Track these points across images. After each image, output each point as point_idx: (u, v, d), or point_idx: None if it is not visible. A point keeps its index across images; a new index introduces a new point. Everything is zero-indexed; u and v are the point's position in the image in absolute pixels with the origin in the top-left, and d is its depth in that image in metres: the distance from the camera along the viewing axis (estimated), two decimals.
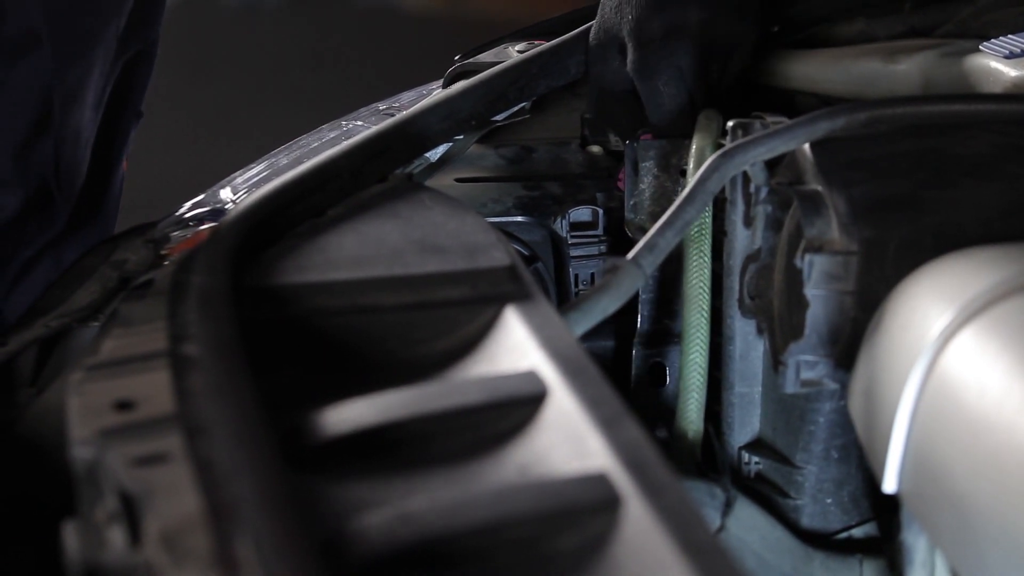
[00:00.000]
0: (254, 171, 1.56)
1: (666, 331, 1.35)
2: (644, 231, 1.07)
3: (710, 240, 1.21)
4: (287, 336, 0.87)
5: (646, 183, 1.29)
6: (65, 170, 1.39)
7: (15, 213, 1.37)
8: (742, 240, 1.18)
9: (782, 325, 1.12)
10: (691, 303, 1.21)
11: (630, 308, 1.26)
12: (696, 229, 1.20)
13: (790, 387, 1.07)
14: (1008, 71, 1.16)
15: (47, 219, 1.42)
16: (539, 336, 0.83)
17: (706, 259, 1.21)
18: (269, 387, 0.76)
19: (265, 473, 0.63)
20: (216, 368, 0.73)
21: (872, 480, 1.11)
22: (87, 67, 1.34)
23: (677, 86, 1.29)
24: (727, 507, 1.22)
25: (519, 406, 0.77)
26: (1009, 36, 1.22)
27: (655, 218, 1.09)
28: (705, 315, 1.21)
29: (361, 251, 1.00)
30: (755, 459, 1.24)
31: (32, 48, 1.23)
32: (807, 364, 1.06)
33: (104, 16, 1.36)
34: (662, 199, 1.28)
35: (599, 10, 1.35)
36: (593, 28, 1.35)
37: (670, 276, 1.32)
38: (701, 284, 1.21)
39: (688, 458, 1.24)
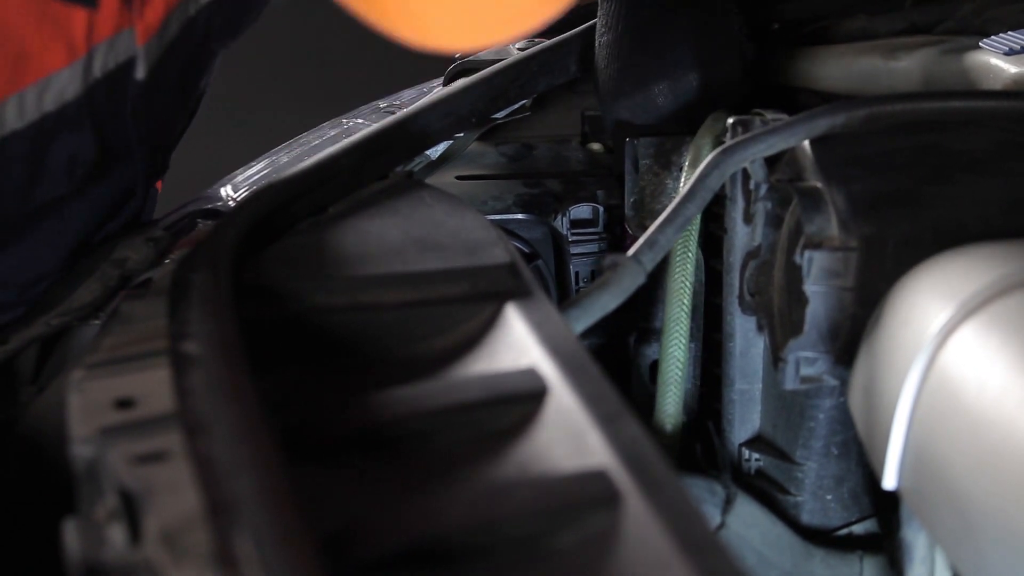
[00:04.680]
0: (255, 169, 1.56)
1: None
2: (645, 228, 1.07)
3: (697, 235, 1.22)
4: (287, 334, 0.87)
5: (647, 180, 1.29)
6: None
7: None
8: (742, 237, 1.18)
9: (782, 322, 1.12)
10: (672, 298, 1.21)
11: (631, 304, 1.27)
12: None
13: (790, 384, 1.07)
14: (1008, 68, 1.16)
15: None
16: (539, 333, 0.83)
17: (691, 254, 1.21)
18: (269, 385, 0.77)
19: (265, 471, 0.63)
20: (216, 366, 0.73)
21: (872, 476, 1.12)
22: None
23: None
24: (727, 504, 1.22)
25: (519, 403, 0.77)
26: (1009, 33, 1.22)
27: (656, 215, 1.09)
28: (686, 310, 1.21)
29: (361, 249, 1.00)
30: (755, 456, 1.24)
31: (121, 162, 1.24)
32: (807, 360, 1.06)
33: (184, 124, 1.37)
34: (663, 196, 1.28)
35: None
36: None
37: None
38: (683, 279, 1.21)
39: (668, 453, 1.24)
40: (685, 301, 1.21)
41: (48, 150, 1.14)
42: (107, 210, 1.24)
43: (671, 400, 1.23)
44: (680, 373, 1.22)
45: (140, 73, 1.17)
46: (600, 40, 1.35)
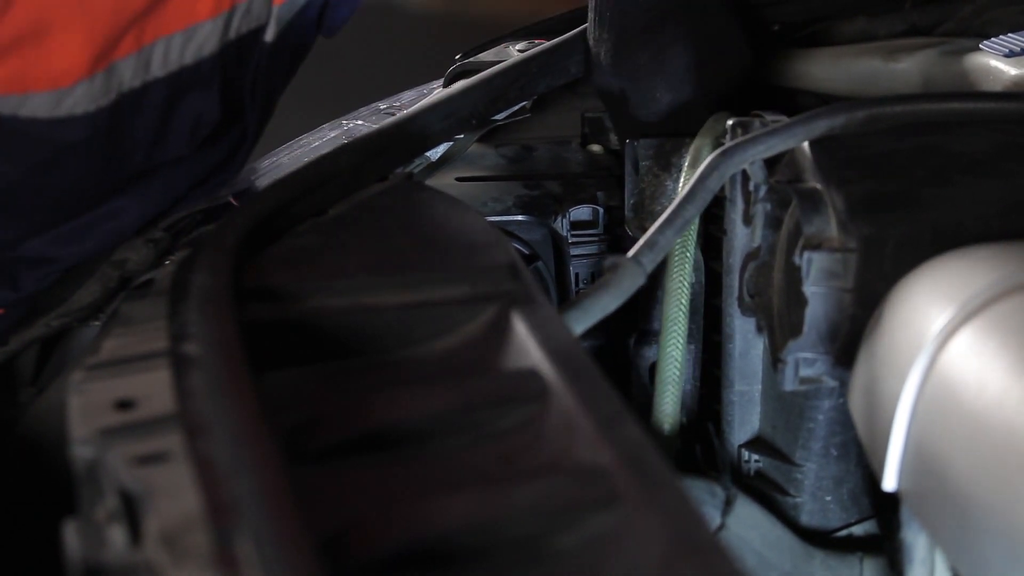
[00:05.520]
0: (255, 170, 1.55)
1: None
2: (644, 229, 1.07)
3: (695, 236, 1.22)
4: (287, 335, 0.87)
5: (647, 182, 1.29)
6: None
7: None
8: (741, 238, 1.18)
9: (781, 323, 1.12)
10: (671, 297, 1.22)
11: (631, 306, 1.27)
12: None
13: (789, 385, 1.07)
14: (1008, 69, 1.16)
15: None
16: (539, 335, 0.83)
17: (689, 255, 1.21)
18: (269, 386, 0.77)
19: (265, 472, 0.63)
20: (216, 367, 0.73)
21: (872, 478, 1.12)
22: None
23: None
24: (727, 505, 1.22)
25: (519, 404, 0.77)
26: (1009, 34, 1.22)
27: (655, 217, 1.09)
28: (684, 311, 1.21)
29: (361, 250, 1.00)
30: (755, 457, 1.24)
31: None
32: (806, 362, 1.06)
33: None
34: (663, 198, 1.28)
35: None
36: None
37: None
38: (681, 279, 1.21)
39: (667, 454, 1.24)
40: (683, 301, 1.21)
41: (178, 106, 1.13)
42: (206, 174, 1.23)
43: (669, 400, 1.23)
44: (678, 373, 1.22)
45: (270, 36, 1.17)
46: (596, 39, 1.35)
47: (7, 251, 1.14)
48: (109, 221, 1.16)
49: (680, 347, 1.21)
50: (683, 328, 1.21)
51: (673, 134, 1.29)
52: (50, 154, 1.06)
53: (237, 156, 1.25)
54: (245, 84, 1.19)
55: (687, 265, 1.21)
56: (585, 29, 1.38)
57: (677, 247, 1.21)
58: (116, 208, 1.16)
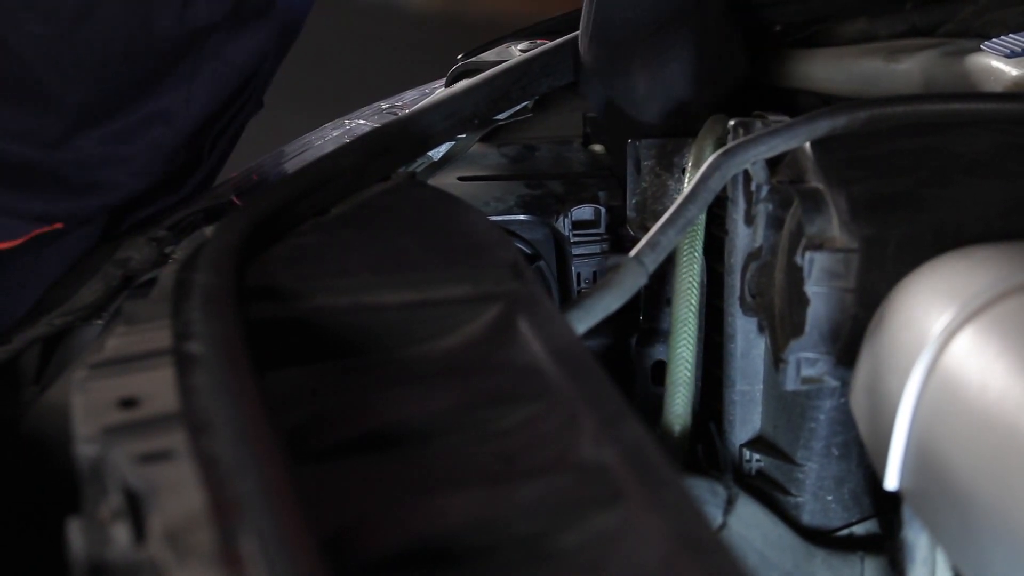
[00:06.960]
0: (257, 169, 1.56)
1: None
2: (646, 229, 1.07)
3: (702, 237, 1.22)
4: (290, 334, 0.87)
5: (648, 181, 1.29)
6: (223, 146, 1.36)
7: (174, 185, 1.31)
8: (743, 238, 1.18)
9: (783, 323, 1.12)
10: (680, 298, 1.22)
11: (632, 305, 1.27)
12: None
13: (791, 384, 1.07)
14: (1009, 70, 1.17)
15: (176, 189, 1.33)
16: (541, 334, 0.83)
17: (697, 255, 1.21)
18: (272, 385, 0.77)
19: (269, 470, 0.63)
20: (220, 366, 0.73)
21: (873, 477, 1.12)
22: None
23: None
24: (729, 504, 1.22)
25: (522, 403, 0.78)
26: (1010, 35, 1.22)
27: (657, 216, 1.10)
28: (693, 311, 1.22)
29: (364, 249, 1.00)
30: (756, 457, 1.25)
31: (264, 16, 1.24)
32: (808, 361, 1.06)
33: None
34: (665, 198, 1.28)
35: None
36: None
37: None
38: (691, 280, 1.21)
39: (676, 454, 1.24)
40: (692, 302, 1.21)
41: None
42: (252, 68, 1.21)
43: (679, 401, 1.23)
44: (688, 374, 1.22)
45: None
46: (585, 50, 1.35)
47: (53, 151, 1.12)
48: (159, 124, 1.15)
49: (690, 348, 1.22)
50: (693, 329, 1.22)
51: (672, 134, 1.29)
52: (81, 4, 1.05)
53: (275, 47, 1.24)
54: None
55: (695, 265, 1.21)
56: None
57: (685, 248, 1.21)
58: (164, 109, 1.15)
